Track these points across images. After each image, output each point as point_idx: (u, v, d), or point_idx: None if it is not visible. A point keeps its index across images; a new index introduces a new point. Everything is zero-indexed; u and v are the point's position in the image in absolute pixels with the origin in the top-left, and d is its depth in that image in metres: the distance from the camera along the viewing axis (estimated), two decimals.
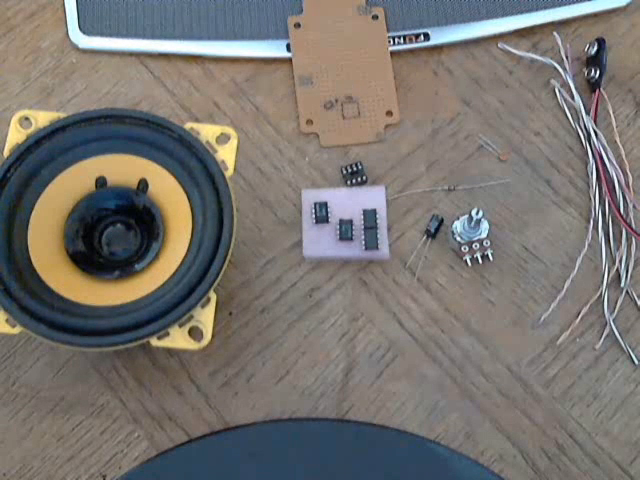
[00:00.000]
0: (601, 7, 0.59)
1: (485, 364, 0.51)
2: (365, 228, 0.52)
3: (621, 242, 0.53)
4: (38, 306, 0.43)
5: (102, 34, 0.58)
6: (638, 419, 0.50)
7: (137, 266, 0.47)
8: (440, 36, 0.58)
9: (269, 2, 0.59)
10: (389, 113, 0.56)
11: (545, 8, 0.58)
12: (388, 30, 0.58)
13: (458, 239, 0.52)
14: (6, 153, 0.46)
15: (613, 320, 0.51)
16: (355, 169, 0.54)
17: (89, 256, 0.48)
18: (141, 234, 0.49)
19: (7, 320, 0.44)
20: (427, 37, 0.58)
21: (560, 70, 0.56)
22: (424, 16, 0.58)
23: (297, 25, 0.58)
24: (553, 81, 0.57)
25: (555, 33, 0.57)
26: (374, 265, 0.53)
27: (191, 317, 0.44)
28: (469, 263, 0.53)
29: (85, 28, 0.58)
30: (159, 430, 0.50)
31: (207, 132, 0.47)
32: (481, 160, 0.55)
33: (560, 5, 0.59)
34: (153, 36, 0.58)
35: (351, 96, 0.57)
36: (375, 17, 0.58)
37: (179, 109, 0.57)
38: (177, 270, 0.45)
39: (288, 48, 0.58)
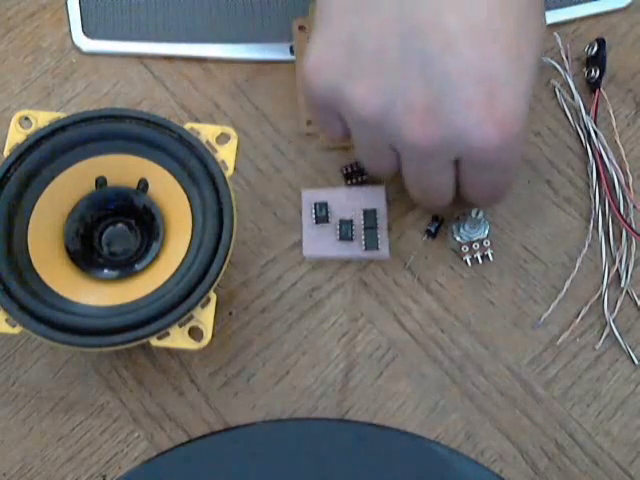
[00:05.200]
0: (601, 8, 0.59)
1: (485, 364, 0.51)
2: (365, 228, 0.52)
3: (621, 242, 0.53)
4: (38, 306, 0.43)
5: (106, 37, 0.58)
6: (638, 419, 0.50)
7: (137, 266, 0.47)
8: None
9: (272, 5, 0.59)
10: None
11: (547, 9, 0.58)
12: None
13: (458, 239, 0.52)
14: (6, 153, 0.46)
15: (613, 320, 0.51)
16: (355, 169, 0.54)
17: (89, 256, 0.48)
18: (141, 234, 0.49)
19: (7, 320, 0.44)
20: None
21: (560, 70, 0.56)
22: None
23: (302, 28, 0.58)
24: (553, 81, 0.57)
25: (555, 33, 0.57)
26: (374, 265, 0.53)
27: (191, 317, 0.44)
28: (469, 263, 0.53)
29: (89, 31, 0.58)
30: (159, 430, 0.50)
31: (207, 132, 0.47)
32: None
33: (561, 7, 0.59)
34: (157, 39, 0.58)
35: None
36: None
37: (179, 109, 0.57)
38: (177, 270, 0.45)
39: (291, 51, 0.58)
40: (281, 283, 0.53)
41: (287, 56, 0.58)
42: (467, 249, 0.52)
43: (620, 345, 0.51)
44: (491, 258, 0.52)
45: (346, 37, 0.44)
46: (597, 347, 0.51)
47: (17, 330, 0.44)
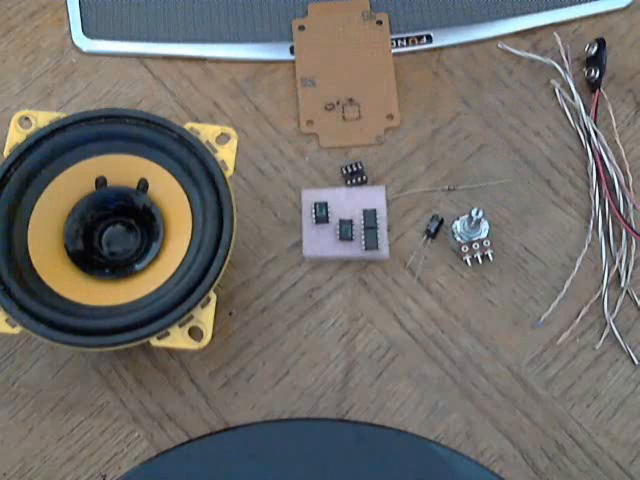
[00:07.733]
0: (601, 8, 0.59)
1: (485, 364, 0.51)
2: (365, 228, 0.52)
3: (621, 242, 0.53)
4: (38, 306, 0.43)
5: (105, 37, 0.58)
6: (638, 419, 0.50)
7: (137, 266, 0.47)
8: (442, 38, 0.58)
9: (272, 5, 0.59)
10: (390, 116, 0.56)
11: (546, 9, 0.59)
12: (391, 32, 0.58)
13: (458, 239, 0.52)
14: (6, 153, 0.46)
15: (613, 320, 0.51)
16: (355, 169, 0.54)
17: (89, 256, 0.48)
18: (141, 234, 0.49)
19: (7, 320, 0.44)
20: (430, 39, 0.58)
21: (560, 70, 0.56)
22: (427, 18, 0.59)
23: (301, 27, 0.58)
24: (553, 81, 0.57)
25: (555, 33, 0.57)
26: (374, 265, 0.53)
27: (191, 317, 0.44)
28: (469, 263, 0.53)
29: (88, 32, 0.58)
30: (159, 430, 0.50)
31: (207, 132, 0.47)
32: (481, 160, 0.55)
33: (561, 7, 0.59)
34: (157, 39, 0.58)
35: (352, 98, 0.57)
36: (379, 22, 0.58)
37: (179, 109, 0.57)
38: (177, 270, 0.45)
39: (291, 51, 0.58)
40: (281, 283, 0.53)
41: (287, 56, 0.58)
42: (467, 249, 0.52)
43: (620, 345, 0.51)
44: (491, 258, 0.52)
45: None
46: (597, 347, 0.51)
47: (17, 330, 0.44)
